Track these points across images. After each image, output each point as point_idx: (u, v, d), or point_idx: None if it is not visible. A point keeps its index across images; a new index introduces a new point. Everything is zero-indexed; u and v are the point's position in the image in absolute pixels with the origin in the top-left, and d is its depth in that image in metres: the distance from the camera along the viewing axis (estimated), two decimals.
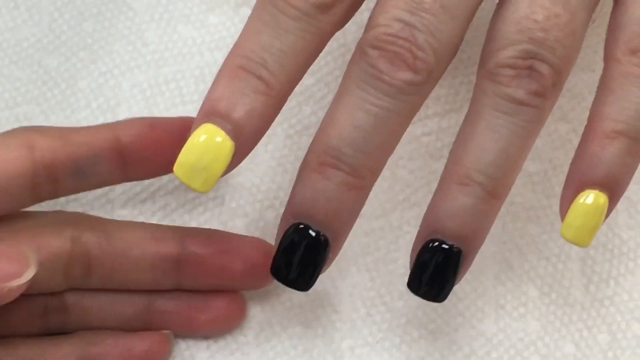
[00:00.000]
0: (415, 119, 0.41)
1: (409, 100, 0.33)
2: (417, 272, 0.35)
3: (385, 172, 0.42)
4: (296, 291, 0.35)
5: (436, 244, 0.34)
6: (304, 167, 0.34)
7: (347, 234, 0.34)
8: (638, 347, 0.41)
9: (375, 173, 0.34)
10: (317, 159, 0.33)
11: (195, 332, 0.39)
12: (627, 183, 0.35)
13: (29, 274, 0.34)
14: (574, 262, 0.42)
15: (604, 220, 0.35)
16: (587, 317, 0.41)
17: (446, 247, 0.34)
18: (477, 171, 0.34)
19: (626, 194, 0.42)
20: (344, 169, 0.33)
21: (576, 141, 0.37)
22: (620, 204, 0.42)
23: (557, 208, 0.41)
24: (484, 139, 0.33)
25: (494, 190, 0.34)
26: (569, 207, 0.35)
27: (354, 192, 0.33)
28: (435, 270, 0.34)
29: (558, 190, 0.42)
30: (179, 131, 0.36)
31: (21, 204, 0.36)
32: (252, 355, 0.40)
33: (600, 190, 0.35)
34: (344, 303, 0.41)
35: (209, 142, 0.32)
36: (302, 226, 0.33)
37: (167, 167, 0.34)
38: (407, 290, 0.38)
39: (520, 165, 0.35)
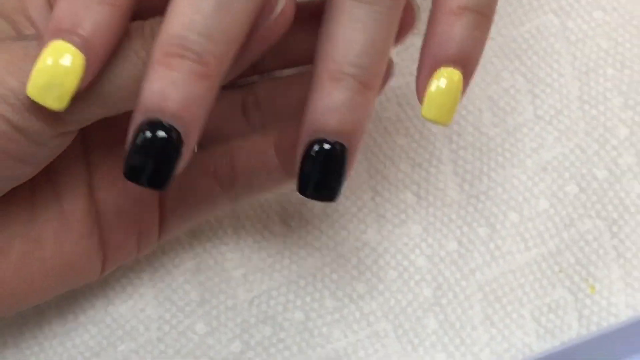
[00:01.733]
0: None
1: None
2: (305, 176, 0.35)
3: None
4: (153, 189, 0.33)
5: (318, 146, 0.34)
6: (150, 63, 0.33)
7: (199, 127, 0.33)
8: (518, 235, 0.43)
9: (221, 61, 0.33)
10: (162, 51, 0.33)
11: None
12: (479, 57, 0.36)
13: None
14: (446, 165, 0.43)
15: (462, 97, 0.36)
16: (466, 214, 0.43)
17: (329, 146, 0.34)
18: (348, 64, 0.34)
19: (488, 93, 0.44)
20: (190, 57, 0.32)
21: None
22: (483, 104, 0.44)
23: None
24: (350, 31, 0.34)
25: (367, 81, 0.34)
26: (425, 88, 0.36)
27: (203, 81, 0.33)
28: (324, 170, 0.34)
29: None
30: None
31: None
32: (149, 296, 0.41)
33: (454, 67, 0.35)
34: (230, 235, 0.42)
35: (58, 58, 0.32)
36: (153, 122, 0.32)
37: None
38: (288, 216, 0.40)
39: (387, 53, 0.35)
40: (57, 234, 0.37)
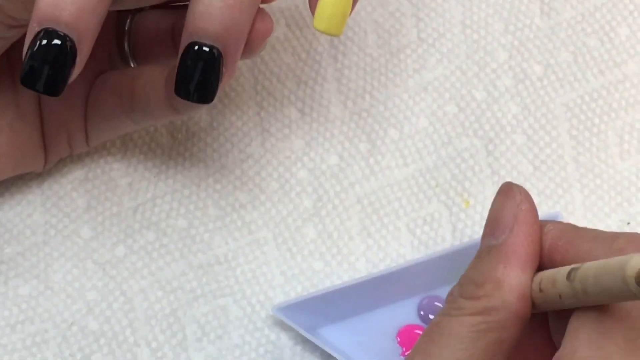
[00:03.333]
0: None
1: None
2: (180, 76, 0.36)
3: None
4: (48, 95, 0.35)
5: (197, 46, 0.35)
6: None
7: (92, 37, 0.35)
8: (397, 151, 0.44)
9: None
10: None
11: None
12: None
13: None
14: (330, 83, 0.45)
15: (351, 11, 0.38)
16: (348, 130, 0.44)
17: (207, 48, 0.35)
18: None
19: (373, 17, 0.45)
20: None
21: None
22: (368, 26, 0.46)
23: (310, 37, 0.45)
24: None
25: None
26: (317, 0, 0.37)
27: None
28: (199, 72, 0.36)
29: (309, 20, 0.45)
30: None
31: None
32: (36, 202, 0.43)
33: None
34: (118, 146, 0.44)
35: None
36: (48, 31, 0.34)
37: None
38: (175, 129, 0.41)
39: None
40: (12, 123, 0.40)
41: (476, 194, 0.44)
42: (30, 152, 0.41)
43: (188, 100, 0.36)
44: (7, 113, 0.40)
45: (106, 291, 0.42)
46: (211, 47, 0.35)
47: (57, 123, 0.41)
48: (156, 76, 0.40)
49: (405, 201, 0.44)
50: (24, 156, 0.41)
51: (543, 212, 0.44)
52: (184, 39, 0.36)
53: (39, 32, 0.34)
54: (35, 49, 0.34)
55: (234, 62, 0.36)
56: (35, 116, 0.41)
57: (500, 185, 0.44)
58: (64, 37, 0.34)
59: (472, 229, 0.44)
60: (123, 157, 0.44)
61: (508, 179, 0.44)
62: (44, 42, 0.34)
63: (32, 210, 0.43)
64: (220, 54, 0.36)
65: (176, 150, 0.44)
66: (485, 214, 0.43)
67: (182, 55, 0.36)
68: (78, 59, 0.35)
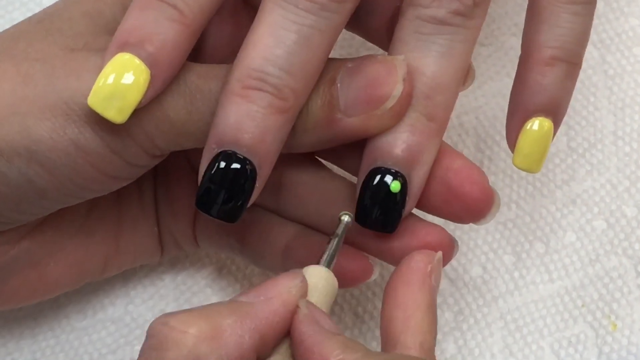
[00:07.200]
0: None
1: (330, 17, 0.33)
2: (362, 207, 0.34)
3: None
4: (224, 221, 0.33)
5: (379, 176, 0.34)
6: (226, 93, 0.32)
7: (273, 160, 0.33)
8: (542, 265, 0.43)
9: (299, 96, 0.33)
10: (240, 83, 0.32)
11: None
12: (567, 105, 0.37)
13: (399, 87, 0.34)
14: None
15: (550, 144, 0.36)
16: (492, 240, 0.43)
17: (389, 177, 0.34)
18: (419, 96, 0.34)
19: None
20: (269, 90, 0.32)
21: None
22: None
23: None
24: (423, 62, 0.34)
25: (432, 113, 0.34)
26: (517, 137, 0.36)
27: (280, 115, 0.33)
28: (382, 201, 0.34)
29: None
30: None
31: None
32: (169, 297, 0.42)
33: (545, 116, 0.36)
34: None
35: (123, 72, 0.32)
36: (228, 153, 0.32)
37: None
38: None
39: (456, 85, 0.35)
40: (135, 220, 0.39)
41: (624, 317, 0.42)
42: (149, 248, 0.40)
43: (372, 229, 0.35)
44: (131, 210, 0.39)
45: None
46: (395, 174, 0.34)
47: (167, 229, 0.40)
48: (275, 236, 0.38)
49: (549, 320, 0.42)
50: (144, 250, 0.40)
51: None
52: (365, 167, 0.34)
53: (218, 154, 0.32)
54: (213, 172, 0.32)
55: (417, 190, 0.35)
56: (155, 216, 0.40)
57: None
58: (243, 161, 0.32)
59: (619, 354, 0.42)
60: None
61: None
62: (223, 164, 0.32)
63: (165, 305, 0.41)
64: (405, 181, 0.34)
65: None
66: (634, 339, 0.42)
67: (364, 183, 0.34)
68: (257, 184, 0.33)
